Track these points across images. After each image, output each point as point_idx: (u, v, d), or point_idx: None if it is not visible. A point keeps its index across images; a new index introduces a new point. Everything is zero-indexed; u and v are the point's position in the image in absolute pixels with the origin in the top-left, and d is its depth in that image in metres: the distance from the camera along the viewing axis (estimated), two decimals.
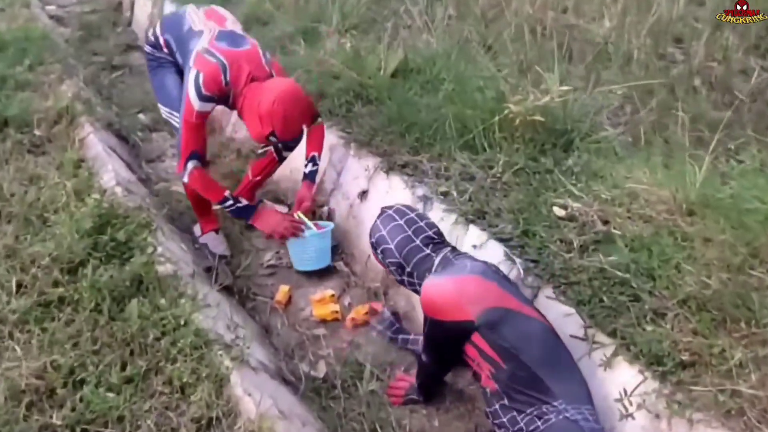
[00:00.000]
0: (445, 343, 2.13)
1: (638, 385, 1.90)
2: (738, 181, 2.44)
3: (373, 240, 2.39)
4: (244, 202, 2.96)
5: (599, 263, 2.22)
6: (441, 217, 2.63)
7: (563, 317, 2.13)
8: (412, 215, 2.36)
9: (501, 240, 2.44)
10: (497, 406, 1.98)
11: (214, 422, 1.87)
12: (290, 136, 2.81)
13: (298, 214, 3.03)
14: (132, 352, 2.08)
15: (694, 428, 1.76)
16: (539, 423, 1.87)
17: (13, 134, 3.31)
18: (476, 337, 1.98)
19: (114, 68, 5.31)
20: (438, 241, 2.33)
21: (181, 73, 2.94)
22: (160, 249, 2.53)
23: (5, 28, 4.71)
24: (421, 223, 2.34)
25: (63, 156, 3.12)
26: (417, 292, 2.25)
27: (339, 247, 3.17)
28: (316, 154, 3.11)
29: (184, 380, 1.97)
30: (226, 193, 2.90)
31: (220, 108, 2.96)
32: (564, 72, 3.25)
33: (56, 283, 2.30)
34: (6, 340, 2.09)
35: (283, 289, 2.94)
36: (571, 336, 2.09)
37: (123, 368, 2.01)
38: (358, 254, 3.11)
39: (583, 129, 2.97)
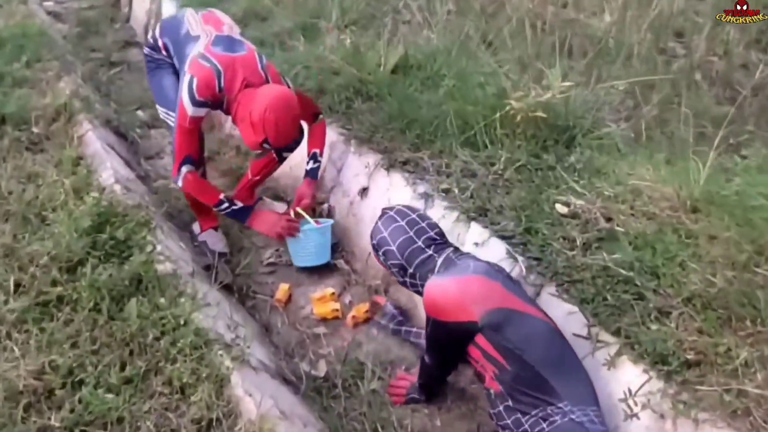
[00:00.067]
0: (448, 345, 2.11)
1: (643, 385, 1.88)
2: (742, 177, 2.43)
3: (375, 242, 2.37)
4: (240, 204, 2.95)
5: (603, 261, 2.21)
6: (442, 214, 2.61)
7: (566, 316, 2.12)
8: (414, 216, 2.34)
9: (503, 238, 2.43)
10: (501, 408, 1.96)
11: (214, 423, 1.86)
12: (283, 143, 2.80)
13: (298, 210, 3.01)
14: (131, 352, 2.06)
15: (699, 428, 1.74)
16: (544, 425, 1.85)
17: (11, 132, 3.28)
18: (480, 339, 1.97)
19: (112, 65, 5.28)
20: (440, 241, 2.31)
21: (178, 74, 2.93)
22: (159, 247, 2.51)
23: (2, 25, 4.67)
24: (423, 224, 2.32)
25: (61, 153, 3.10)
26: (419, 293, 2.24)
27: (339, 245, 3.15)
28: (317, 150, 3.10)
29: (184, 381, 1.95)
30: (221, 196, 2.90)
31: None
32: (565, 67, 3.23)
33: (55, 283, 2.28)
34: (4, 341, 2.07)
35: (283, 288, 2.92)
36: (575, 335, 2.07)
37: (122, 368, 1.99)
38: (358, 252, 3.09)
39: (585, 125, 2.95)
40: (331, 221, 3.07)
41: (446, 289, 2.03)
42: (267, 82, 2.80)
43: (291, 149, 3.07)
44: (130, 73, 5.17)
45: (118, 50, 5.59)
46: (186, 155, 2.81)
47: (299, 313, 2.86)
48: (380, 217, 2.40)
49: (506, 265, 2.29)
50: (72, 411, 1.85)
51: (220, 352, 2.06)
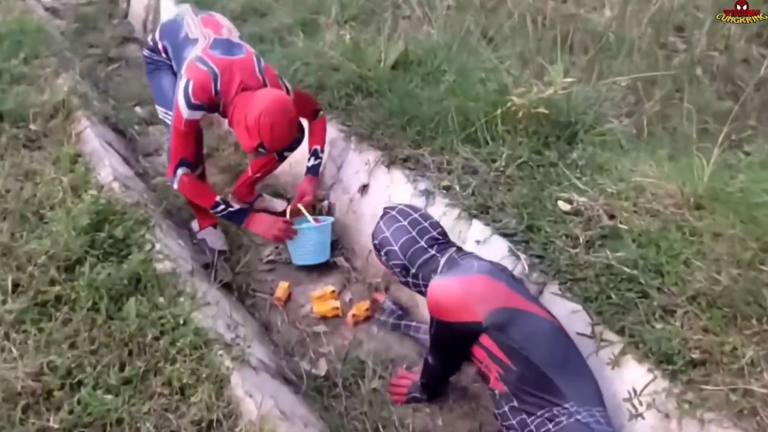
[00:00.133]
0: (452, 345, 2.09)
1: (647, 384, 1.87)
2: (746, 174, 2.41)
3: (377, 242, 2.35)
4: (236, 206, 2.94)
5: (606, 259, 2.19)
6: (444, 211, 2.59)
7: (570, 314, 2.10)
8: (416, 215, 2.32)
9: (505, 235, 2.41)
10: (506, 408, 1.95)
11: (214, 424, 1.84)
12: (278, 148, 2.79)
13: (299, 206, 3.00)
14: (130, 353, 2.04)
15: (705, 428, 1.73)
16: (550, 426, 1.83)
17: (8, 129, 3.25)
18: (484, 339, 1.95)
19: (110, 61, 5.24)
20: (443, 241, 2.29)
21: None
22: (158, 246, 2.49)
23: (0, 21, 4.65)
24: (425, 224, 2.30)
25: (59, 151, 3.07)
26: (422, 293, 2.22)
27: (339, 242, 3.13)
28: (318, 147, 3.09)
29: (184, 381, 1.94)
30: (217, 198, 2.89)
31: None
32: (566, 63, 3.22)
33: (53, 282, 2.26)
34: (2, 341, 2.05)
35: (282, 286, 2.90)
36: (578, 334, 2.05)
37: (121, 369, 1.98)
38: (358, 249, 3.07)
39: (587, 121, 2.94)
40: (331, 219, 3.05)
41: (450, 289, 2.01)
42: (265, 85, 2.78)
43: (292, 149, 3.07)
44: (129, 69, 5.14)
45: (116, 46, 5.55)
46: (181, 158, 2.80)
47: (299, 311, 2.84)
48: (382, 217, 2.37)
49: (508, 263, 2.27)
50: (71, 412, 1.83)
51: (219, 352, 2.04)
